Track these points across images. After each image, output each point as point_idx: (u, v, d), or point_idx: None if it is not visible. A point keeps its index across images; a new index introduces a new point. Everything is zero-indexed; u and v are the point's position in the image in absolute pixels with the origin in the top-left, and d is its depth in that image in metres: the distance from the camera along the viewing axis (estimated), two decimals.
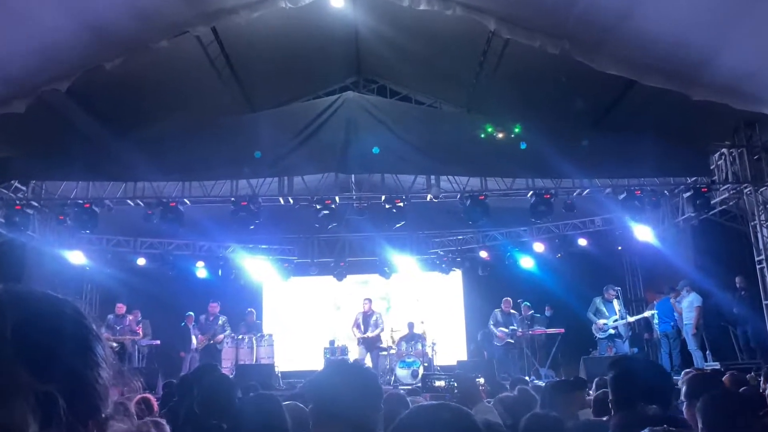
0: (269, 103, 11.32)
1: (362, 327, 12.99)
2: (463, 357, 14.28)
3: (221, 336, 12.77)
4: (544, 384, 10.54)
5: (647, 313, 12.33)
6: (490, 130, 9.54)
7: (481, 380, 7.98)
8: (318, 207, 10.38)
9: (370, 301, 13.28)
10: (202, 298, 13.44)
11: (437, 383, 2.60)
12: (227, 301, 13.51)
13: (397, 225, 10.95)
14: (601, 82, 8.69)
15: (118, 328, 12.32)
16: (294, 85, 11.72)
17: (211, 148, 9.44)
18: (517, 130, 9.54)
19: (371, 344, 12.86)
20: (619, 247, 13.63)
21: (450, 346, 13.94)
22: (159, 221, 10.51)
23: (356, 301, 13.79)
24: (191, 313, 13.35)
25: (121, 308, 12.57)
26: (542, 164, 9.49)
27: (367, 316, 13.07)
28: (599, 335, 12.19)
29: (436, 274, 14.88)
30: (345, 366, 2.00)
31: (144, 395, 4.48)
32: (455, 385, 2.50)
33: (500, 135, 9.45)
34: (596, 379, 6.40)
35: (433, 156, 9.55)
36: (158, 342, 13.06)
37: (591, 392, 7.07)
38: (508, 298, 12.87)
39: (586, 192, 10.95)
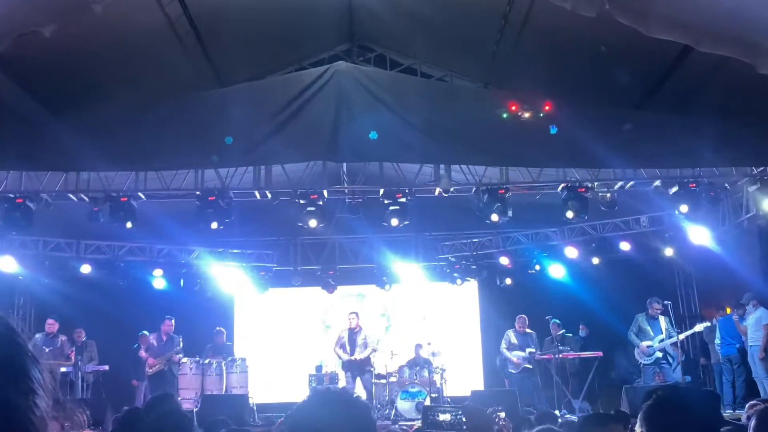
0: (242, 76, 11.29)
1: (348, 347, 13.00)
2: (479, 386, 14.31)
3: (176, 357, 12.76)
4: (577, 419, 10.61)
5: (699, 327, 12.31)
6: (512, 109, 9.53)
7: (501, 414, 7.98)
8: (302, 203, 10.38)
9: (357, 315, 13.34)
10: (160, 314, 13.44)
11: (441, 417, 2.61)
12: (191, 318, 13.55)
13: (399, 225, 10.97)
14: (649, 50, 8.67)
15: (47, 350, 12.26)
16: (273, 54, 11.69)
17: (171, 131, 9.42)
18: (546, 109, 9.53)
19: (360, 368, 12.86)
20: (670, 253, 13.62)
21: (463, 373, 13.98)
22: (107, 220, 10.53)
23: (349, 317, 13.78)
24: (146, 332, 13.36)
25: (52, 325, 12.51)
26: (576, 151, 9.49)
27: (353, 333, 13.10)
28: (643, 360, 12.22)
29: (447, 285, 14.90)
30: (331, 396, 2.00)
31: None
32: (464, 420, 2.49)
33: (525, 116, 9.44)
34: (641, 413, 6.41)
35: (443, 141, 9.54)
36: (106, 367, 13.05)
37: (637, 429, 7.09)
38: (523, 316, 12.99)
39: (629, 185, 10.95)
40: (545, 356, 12.56)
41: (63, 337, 12.60)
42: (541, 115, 9.24)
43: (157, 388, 12.30)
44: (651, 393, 2.68)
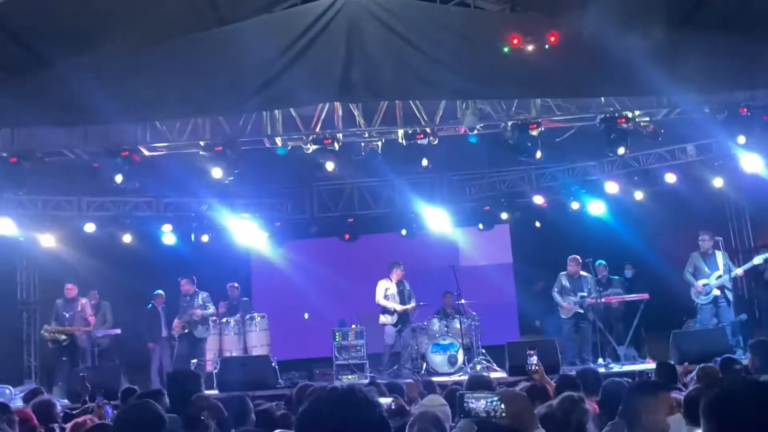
0: (243, 11, 11.10)
1: (397, 298, 13.01)
2: (515, 335, 14.38)
3: (200, 312, 12.61)
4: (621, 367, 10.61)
5: (758, 259, 12.15)
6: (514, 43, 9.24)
7: (533, 359, 8.09)
8: (314, 148, 10.32)
9: (400, 267, 13.25)
10: (171, 271, 13.57)
11: (479, 404, 2.50)
12: (204, 274, 13.60)
13: (422, 166, 10.88)
14: None
15: (66, 315, 12.52)
16: None
17: (172, 77, 9.34)
18: (551, 41, 9.25)
19: (406, 320, 12.97)
20: (720, 183, 13.41)
21: (497, 322, 14.01)
22: (109, 175, 10.54)
23: (371, 269, 13.82)
24: (161, 291, 13.48)
25: (71, 290, 12.72)
26: (614, 76, 9.29)
27: (401, 284, 13.12)
28: (700, 300, 12.14)
29: (476, 229, 14.84)
30: (340, 398, 1.97)
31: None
32: (502, 407, 2.41)
33: (528, 49, 9.17)
34: (696, 368, 6.35)
35: (467, 74, 9.37)
36: (118, 331, 13.26)
37: (688, 379, 7.08)
38: (576, 256, 12.77)
39: (675, 112, 10.72)
40: (590, 300, 12.47)
41: (83, 300, 12.79)
42: (547, 46, 8.95)
43: (181, 354, 12.50)
44: (720, 387, 2.45)
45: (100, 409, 5.90)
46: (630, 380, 5.74)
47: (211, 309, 12.81)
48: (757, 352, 6.53)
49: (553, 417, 4.00)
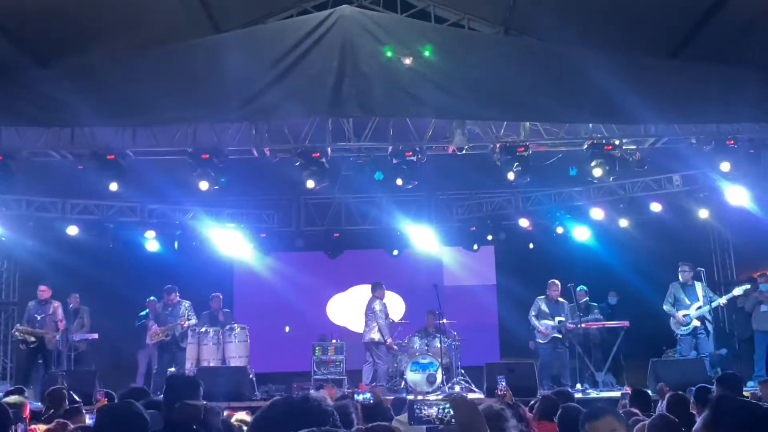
0: (238, 20, 11.18)
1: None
2: (495, 357, 14.39)
3: (185, 322, 12.60)
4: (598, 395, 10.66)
5: (738, 290, 12.20)
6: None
7: (503, 384, 8.10)
8: (303, 161, 10.35)
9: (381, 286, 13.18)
10: (153, 278, 13.55)
11: (426, 411, 2.65)
12: (186, 283, 13.57)
13: (409, 185, 10.93)
14: None
15: (38, 318, 12.40)
16: None
17: (162, 82, 9.37)
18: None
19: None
20: (705, 215, 13.54)
21: (478, 343, 14.01)
22: (94, 179, 10.54)
23: (355, 284, 13.85)
24: (153, 297, 13.36)
25: (44, 292, 12.60)
26: (602, 104, 9.39)
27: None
28: (680, 331, 12.20)
29: (461, 249, 14.90)
30: (292, 405, 2.01)
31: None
32: (451, 413, 2.54)
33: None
34: (668, 394, 6.41)
35: (458, 94, 9.44)
36: (95, 336, 13.17)
37: (659, 406, 7.14)
38: (555, 281, 12.83)
39: (661, 142, 10.83)
40: (570, 326, 12.51)
41: (56, 303, 12.65)
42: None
43: (162, 360, 12.47)
44: (712, 395, 2.63)
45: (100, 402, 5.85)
46: None
47: (194, 320, 12.80)
48: (724, 385, 6.58)
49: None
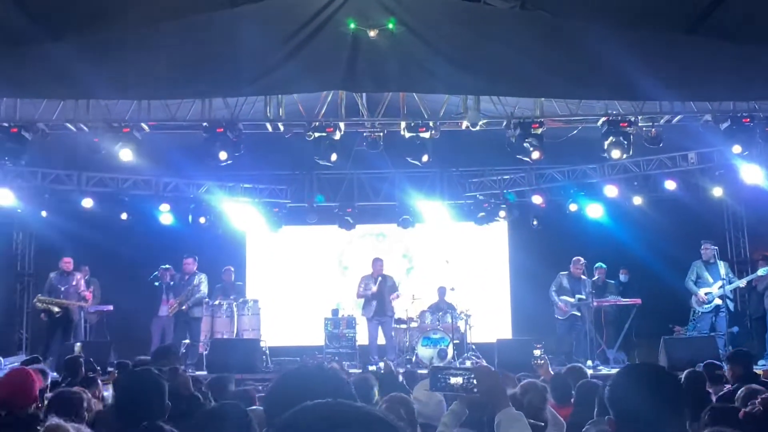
0: None
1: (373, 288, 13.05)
2: (507, 333, 14.46)
3: (196, 295, 12.67)
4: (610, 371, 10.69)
5: (762, 271, 12.20)
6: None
7: (537, 352, 8.07)
8: (316, 136, 10.36)
9: (380, 262, 13.28)
10: (167, 251, 13.63)
11: (452, 380, 2.67)
12: (200, 256, 13.67)
13: (423, 160, 10.93)
14: None
15: (62, 289, 12.54)
16: None
17: (176, 56, 9.37)
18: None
19: (383, 311, 12.99)
20: (719, 193, 13.49)
21: (489, 319, 14.09)
22: (107, 152, 10.61)
23: (368, 259, 13.90)
24: (168, 266, 13.41)
25: (67, 263, 12.74)
26: (619, 80, 9.32)
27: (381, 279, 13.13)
28: (701, 309, 12.21)
29: (473, 225, 14.90)
30: (307, 374, 2.04)
31: None
32: (475, 383, 2.55)
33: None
34: (686, 371, 6.40)
35: (473, 69, 9.39)
36: (110, 307, 13.34)
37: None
38: (580, 258, 12.73)
39: (676, 119, 10.77)
40: (594, 304, 12.45)
41: (78, 275, 12.77)
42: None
43: (179, 332, 12.57)
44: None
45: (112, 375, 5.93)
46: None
47: (203, 291, 12.84)
48: (735, 362, 6.61)
49: (514, 398, 4.20)
